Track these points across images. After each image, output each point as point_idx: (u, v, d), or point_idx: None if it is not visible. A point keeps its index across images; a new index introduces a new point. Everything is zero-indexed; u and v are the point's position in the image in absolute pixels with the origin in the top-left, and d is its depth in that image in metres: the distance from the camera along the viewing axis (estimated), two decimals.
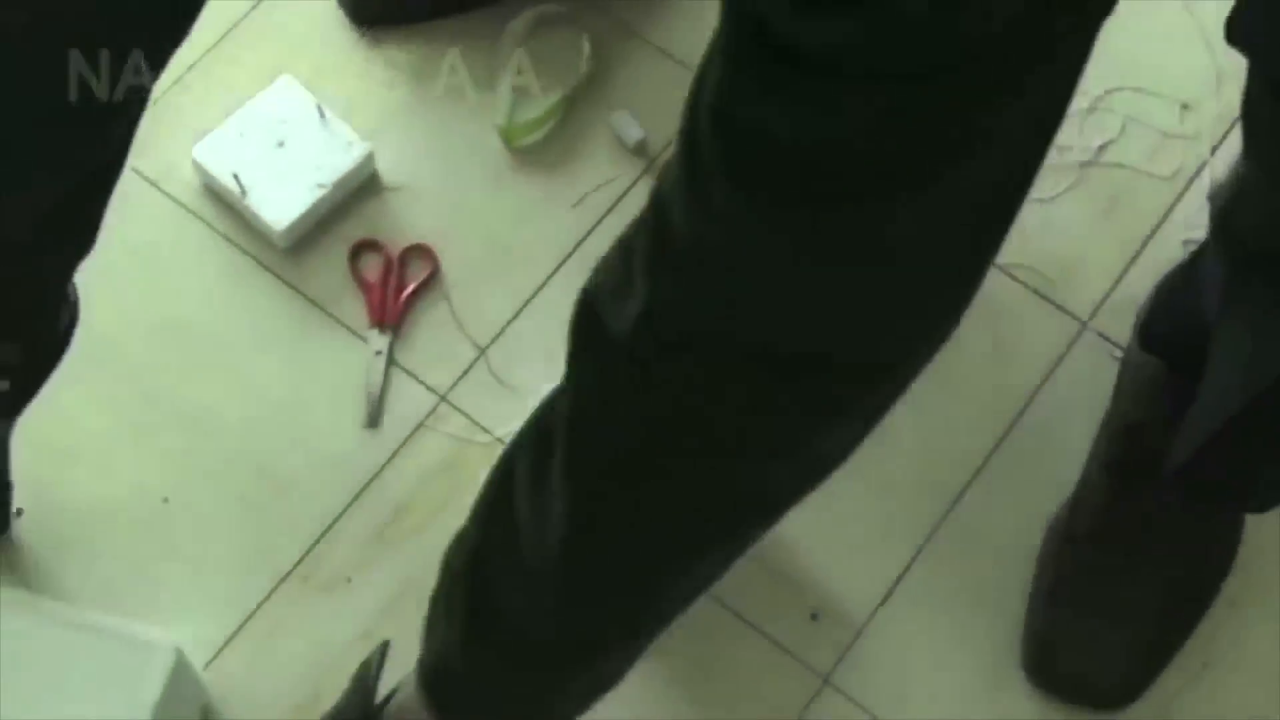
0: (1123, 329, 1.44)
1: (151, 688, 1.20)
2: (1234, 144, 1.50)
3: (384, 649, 1.12)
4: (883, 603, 1.37)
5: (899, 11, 0.65)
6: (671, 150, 0.78)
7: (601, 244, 1.55)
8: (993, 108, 0.70)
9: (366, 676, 1.10)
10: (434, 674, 1.01)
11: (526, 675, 0.97)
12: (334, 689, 1.19)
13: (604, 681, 1.01)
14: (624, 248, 0.82)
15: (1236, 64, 1.08)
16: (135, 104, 1.02)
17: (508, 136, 1.55)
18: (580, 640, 0.96)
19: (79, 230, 1.10)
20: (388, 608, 1.35)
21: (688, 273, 0.77)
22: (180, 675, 1.24)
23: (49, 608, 1.27)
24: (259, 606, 1.36)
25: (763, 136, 0.71)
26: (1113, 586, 1.32)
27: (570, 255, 1.50)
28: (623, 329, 0.80)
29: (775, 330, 0.77)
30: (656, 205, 0.79)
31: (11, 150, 0.98)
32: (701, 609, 1.35)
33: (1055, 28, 0.69)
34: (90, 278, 1.08)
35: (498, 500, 0.93)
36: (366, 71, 1.59)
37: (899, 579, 1.37)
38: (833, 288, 0.75)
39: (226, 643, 1.34)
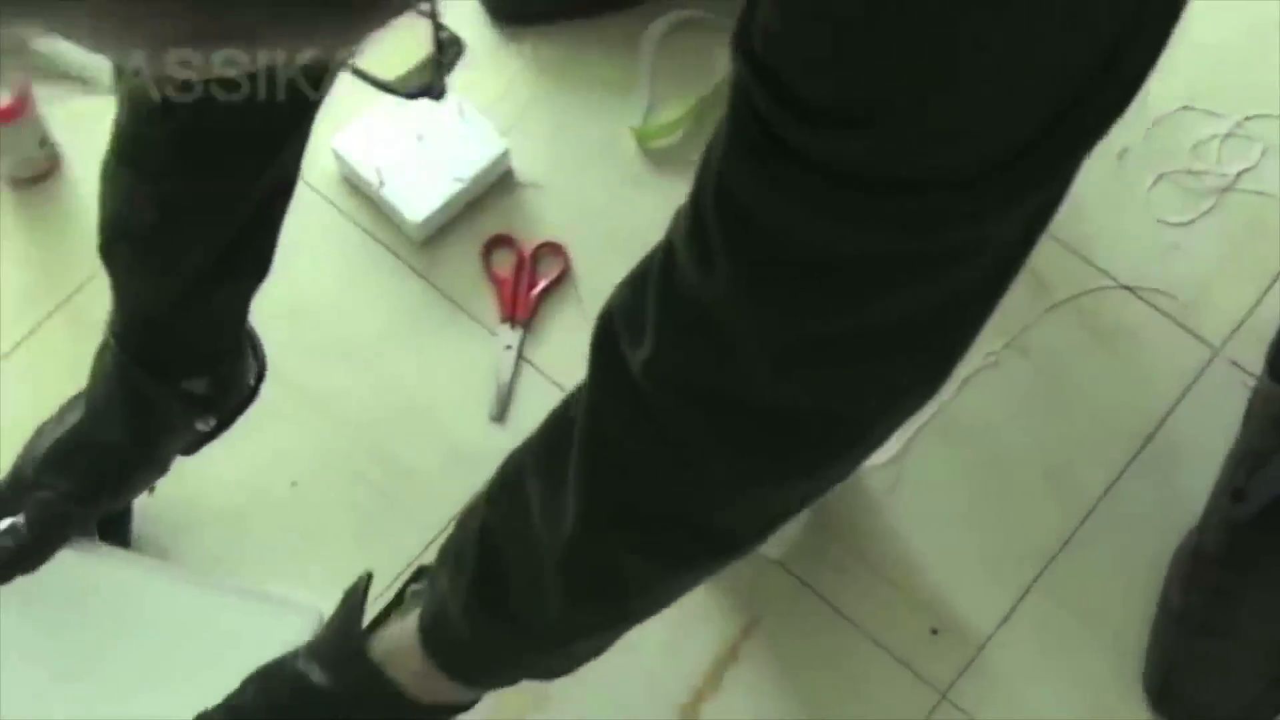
0: (1255, 357, 1.42)
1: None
2: None
3: (367, 580, 1.13)
4: (1005, 620, 1.36)
5: (911, 134, 0.67)
6: (686, 200, 0.80)
7: None
8: (990, 220, 0.73)
9: (351, 607, 1.11)
10: (433, 623, 1.03)
11: (523, 640, 1.01)
12: None
13: (600, 649, 1.04)
14: (642, 274, 0.85)
15: None
16: (299, 136, 1.08)
17: (642, 138, 1.55)
18: (578, 622, 0.99)
19: (253, 258, 1.14)
20: None
21: (686, 322, 0.81)
22: None
23: (189, 574, 1.30)
24: (380, 595, 1.37)
25: (758, 219, 0.74)
26: (1238, 613, 1.31)
27: None
28: (634, 365, 0.85)
29: (759, 388, 0.81)
30: (668, 248, 0.82)
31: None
32: (823, 619, 1.36)
33: (1065, 148, 0.71)
34: None
35: (513, 480, 0.97)
36: (506, 69, 1.60)
37: (1022, 597, 1.37)
38: (816, 361, 0.80)
39: None
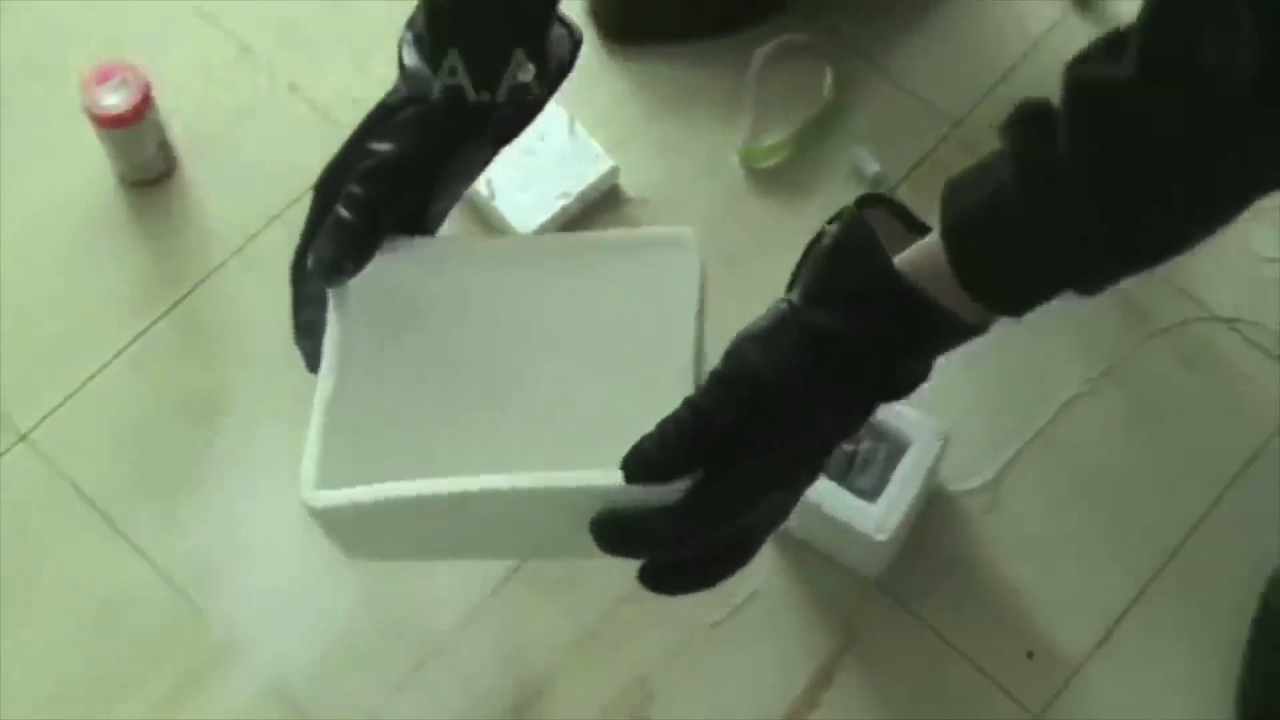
0: None
1: (691, 281, 1.16)
2: None
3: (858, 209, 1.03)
4: (1100, 645, 1.37)
5: None
6: None
7: None
8: None
9: (866, 247, 0.99)
10: (963, 235, 0.97)
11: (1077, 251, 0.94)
12: None
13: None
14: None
15: None
16: None
17: (747, 159, 1.58)
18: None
19: None
20: None
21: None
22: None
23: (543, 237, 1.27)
24: None
25: None
26: None
27: None
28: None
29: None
30: None
31: None
32: (918, 640, 1.37)
33: None
34: None
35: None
36: (614, 88, 1.63)
37: (1117, 622, 1.37)
38: None
39: None
